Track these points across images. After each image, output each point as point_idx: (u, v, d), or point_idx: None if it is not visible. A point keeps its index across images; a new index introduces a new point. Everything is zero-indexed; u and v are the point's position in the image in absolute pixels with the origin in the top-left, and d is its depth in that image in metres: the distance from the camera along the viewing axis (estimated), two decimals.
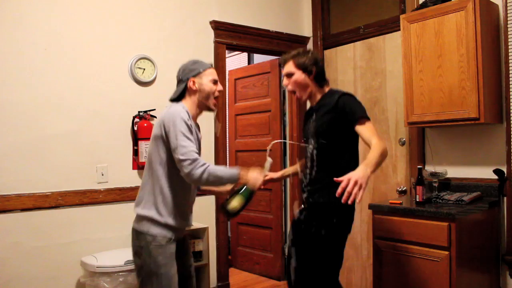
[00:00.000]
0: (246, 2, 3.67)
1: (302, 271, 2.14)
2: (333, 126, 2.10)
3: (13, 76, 2.58)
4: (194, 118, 2.12)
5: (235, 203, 2.04)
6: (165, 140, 1.97)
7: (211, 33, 3.43)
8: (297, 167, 2.40)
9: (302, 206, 2.25)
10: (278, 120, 4.08)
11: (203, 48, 3.38)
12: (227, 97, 3.90)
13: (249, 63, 5.07)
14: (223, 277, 3.49)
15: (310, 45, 4.02)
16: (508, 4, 2.73)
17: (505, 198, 2.72)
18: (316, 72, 2.17)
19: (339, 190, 1.65)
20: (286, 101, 4.11)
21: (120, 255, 2.62)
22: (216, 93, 2.13)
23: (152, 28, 3.13)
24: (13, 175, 2.56)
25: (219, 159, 3.46)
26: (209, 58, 3.39)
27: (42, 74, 2.67)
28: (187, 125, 1.94)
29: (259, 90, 4.26)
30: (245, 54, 5.05)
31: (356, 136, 2.10)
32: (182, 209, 2.05)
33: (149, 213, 2.00)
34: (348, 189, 1.64)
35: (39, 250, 2.62)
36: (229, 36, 3.52)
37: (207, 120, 3.35)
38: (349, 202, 1.63)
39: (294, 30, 3.97)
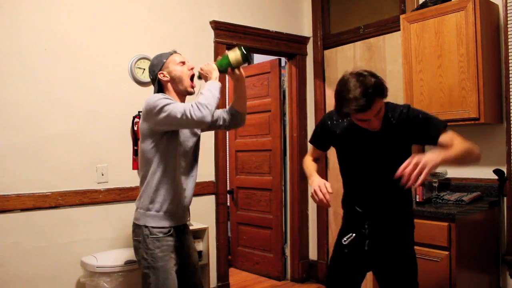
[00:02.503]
0: (246, 2, 3.67)
1: None
2: (408, 144, 1.93)
3: (13, 76, 2.58)
4: None
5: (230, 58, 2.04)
6: (148, 129, 1.99)
7: (211, 33, 3.43)
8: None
9: (354, 235, 2.04)
10: (278, 120, 4.08)
11: (203, 48, 3.38)
12: (227, 97, 3.89)
13: (249, 63, 5.07)
14: (223, 277, 3.49)
15: (310, 45, 4.02)
16: (508, 4, 2.73)
17: (505, 198, 2.72)
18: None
19: (399, 171, 1.56)
20: (286, 101, 4.11)
21: (120, 255, 2.62)
22: (189, 72, 2.10)
23: (152, 28, 3.13)
24: (13, 175, 2.56)
25: (219, 159, 3.46)
26: (209, 58, 3.38)
27: (42, 74, 2.67)
28: (164, 97, 1.96)
29: (259, 90, 4.26)
30: None
31: None
32: (174, 195, 2.06)
33: (143, 204, 2.04)
34: (408, 170, 1.55)
35: (39, 250, 2.62)
36: (229, 36, 3.52)
37: None
38: (408, 185, 1.55)
39: (294, 30, 3.97)
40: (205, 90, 1.93)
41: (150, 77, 2.15)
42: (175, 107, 1.87)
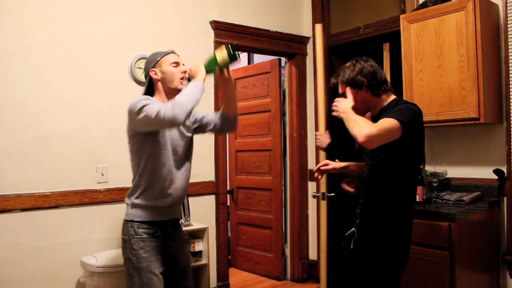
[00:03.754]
0: (246, 2, 3.67)
1: None
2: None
3: (13, 76, 2.58)
4: None
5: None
6: (132, 130, 2.01)
7: (211, 33, 3.43)
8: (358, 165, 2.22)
9: (353, 229, 2.07)
10: (278, 120, 4.08)
11: (203, 48, 3.38)
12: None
13: (249, 63, 5.08)
14: (223, 277, 3.49)
15: (310, 45, 4.02)
16: (508, 4, 2.73)
17: (505, 198, 2.72)
18: (368, 82, 1.97)
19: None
20: (286, 101, 4.11)
21: (120, 255, 2.60)
22: (180, 75, 2.07)
23: (152, 28, 3.13)
24: (13, 175, 2.56)
25: (219, 159, 3.46)
26: None
27: (42, 74, 2.67)
28: (145, 98, 1.96)
29: (259, 90, 4.26)
30: (245, 54, 5.06)
31: (411, 156, 1.98)
32: (162, 190, 2.04)
33: (131, 199, 2.05)
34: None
35: (39, 250, 2.62)
36: (229, 36, 3.52)
37: None
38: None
39: (294, 30, 3.97)
40: (186, 89, 1.92)
41: (144, 73, 2.16)
42: (152, 107, 1.86)
